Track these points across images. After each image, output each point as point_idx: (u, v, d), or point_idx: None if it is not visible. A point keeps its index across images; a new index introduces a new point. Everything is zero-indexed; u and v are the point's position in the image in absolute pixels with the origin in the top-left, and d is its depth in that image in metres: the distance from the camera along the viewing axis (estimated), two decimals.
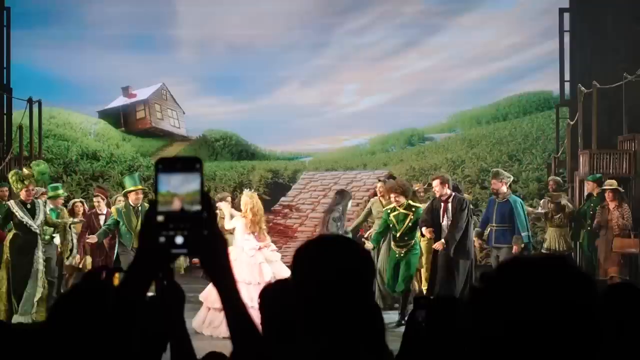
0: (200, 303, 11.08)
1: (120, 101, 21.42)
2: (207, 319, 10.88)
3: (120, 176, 20.57)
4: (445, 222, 11.74)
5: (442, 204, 11.77)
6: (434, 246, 11.85)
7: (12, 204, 11.98)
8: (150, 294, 1.98)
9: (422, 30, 21.39)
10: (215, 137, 21.87)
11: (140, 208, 11.79)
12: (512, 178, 12.90)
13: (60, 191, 14.07)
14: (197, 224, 1.83)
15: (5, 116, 18.92)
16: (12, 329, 3.09)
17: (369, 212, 13.59)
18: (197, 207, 1.83)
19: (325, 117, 21.61)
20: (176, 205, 1.83)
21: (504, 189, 12.21)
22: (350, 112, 21.70)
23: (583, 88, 16.06)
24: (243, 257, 11.00)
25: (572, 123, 17.04)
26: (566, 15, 19.31)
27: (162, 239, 1.83)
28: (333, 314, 2.37)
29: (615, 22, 17.37)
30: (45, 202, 12.59)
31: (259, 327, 1.99)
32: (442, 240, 11.62)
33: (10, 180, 12.37)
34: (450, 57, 21.28)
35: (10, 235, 11.99)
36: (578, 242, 14.28)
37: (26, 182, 11.94)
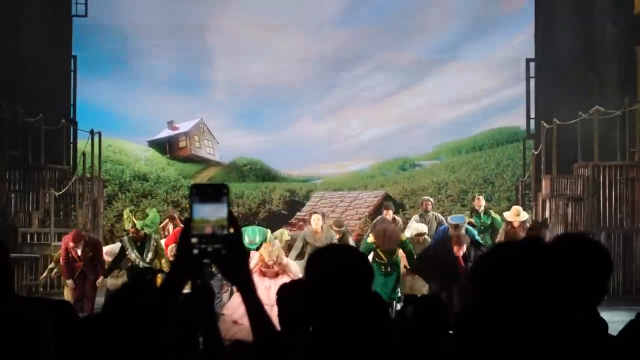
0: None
1: (165, 133, 21.49)
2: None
3: (165, 194, 20.68)
4: None
5: None
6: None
7: (125, 240, 10.18)
8: (185, 291, 2.00)
9: (414, 76, 21.42)
10: (244, 162, 21.88)
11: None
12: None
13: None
14: (225, 241, 1.88)
15: (71, 145, 19.05)
16: (77, 313, 3.15)
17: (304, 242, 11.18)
18: (225, 232, 1.88)
19: (333, 146, 21.62)
20: (208, 230, 1.88)
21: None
22: (354, 143, 21.71)
23: (545, 124, 16.07)
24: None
25: (536, 153, 17.04)
26: (532, 64, 19.36)
27: (195, 251, 1.88)
28: (336, 307, 2.38)
29: (572, 70, 17.40)
30: (157, 241, 10.34)
31: (275, 321, 2.02)
32: None
33: (124, 216, 10.63)
34: (436, 98, 21.28)
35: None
36: None
37: (134, 224, 9.92)
